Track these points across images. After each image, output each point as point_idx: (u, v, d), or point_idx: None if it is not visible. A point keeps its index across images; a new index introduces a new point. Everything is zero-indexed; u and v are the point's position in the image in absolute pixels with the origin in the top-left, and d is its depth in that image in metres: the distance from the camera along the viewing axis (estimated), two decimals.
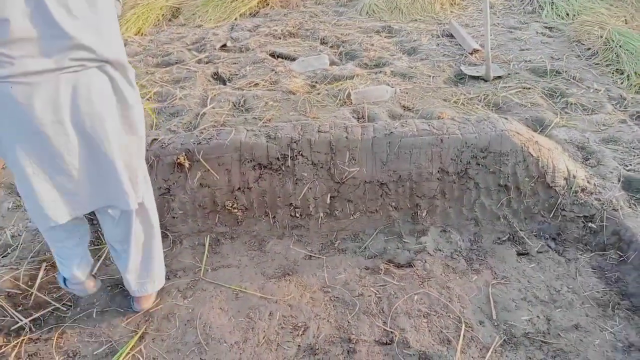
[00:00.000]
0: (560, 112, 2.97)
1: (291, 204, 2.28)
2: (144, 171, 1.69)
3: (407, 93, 3.32)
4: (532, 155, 2.22)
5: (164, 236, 2.21)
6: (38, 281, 1.91)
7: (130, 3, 4.95)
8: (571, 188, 2.22)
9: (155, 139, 2.38)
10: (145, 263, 1.77)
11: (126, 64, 1.51)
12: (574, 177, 2.23)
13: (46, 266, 1.99)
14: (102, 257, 2.11)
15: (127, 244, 1.70)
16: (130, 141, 1.56)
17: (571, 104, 3.04)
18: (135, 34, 4.72)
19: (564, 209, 2.19)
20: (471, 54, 3.84)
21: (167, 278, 1.97)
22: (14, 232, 2.17)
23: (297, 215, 2.27)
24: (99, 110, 1.42)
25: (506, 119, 2.40)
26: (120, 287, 1.94)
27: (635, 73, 3.27)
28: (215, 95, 3.39)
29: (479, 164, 2.23)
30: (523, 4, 4.93)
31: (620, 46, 3.52)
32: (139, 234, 1.70)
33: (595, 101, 3.06)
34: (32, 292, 1.87)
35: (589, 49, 3.72)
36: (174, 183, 2.28)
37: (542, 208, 2.22)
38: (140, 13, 4.83)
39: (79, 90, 1.37)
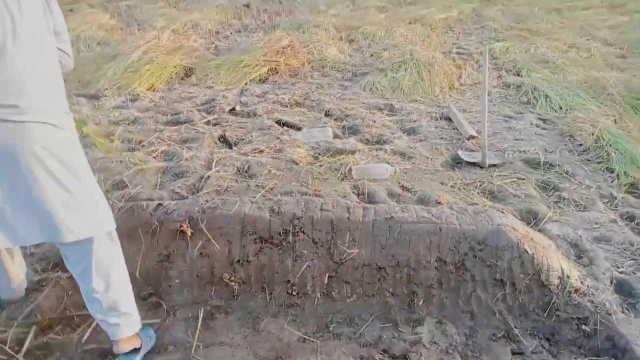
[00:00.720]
0: (553, 206, 3.06)
1: (289, 280, 2.29)
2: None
3: (406, 173, 3.42)
4: (527, 252, 2.27)
5: (158, 305, 2.19)
6: (25, 346, 1.86)
7: (145, 59, 5.14)
8: (565, 288, 2.26)
9: (160, 204, 2.41)
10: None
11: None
12: (568, 276, 2.28)
13: (36, 329, 1.94)
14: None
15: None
16: None
17: (564, 198, 3.15)
18: (148, 89, 4.88)
19: (557, 309, 2.22)
20: (468, 139, 4.00)
21: (157, 352, 1.94)
22: None
23: (294, 293, 2.27)
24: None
25: (502, 212, 2.48)
26: (108, 359, 1.90)
27: (625, 173, 3.42)
28: (220, 158, 3.47)
29: (475, 257, 2.28)
30: (519, 94, 5.19)
31: (610, 145, 3.69)
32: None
33: (587, 198, 3.17)
34: (18, 359, 1.82)
35: (580, 144, 3.90)
36: (174, 251, 2.28)
37: (536, 306, 2.24)
38: (154, 70, 5.01)
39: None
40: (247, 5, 9.83)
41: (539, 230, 2.69)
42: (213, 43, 6.87)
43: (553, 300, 2.22)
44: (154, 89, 4.92)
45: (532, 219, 2.90)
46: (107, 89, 4.88)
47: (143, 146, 3.66)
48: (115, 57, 5.20)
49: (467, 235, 2.30)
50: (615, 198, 3.17)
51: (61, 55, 1.73)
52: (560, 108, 4.73)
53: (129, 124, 4.08)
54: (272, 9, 9.78)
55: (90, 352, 1.90)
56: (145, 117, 4.19)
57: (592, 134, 3.89)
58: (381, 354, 2.00)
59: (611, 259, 2.56)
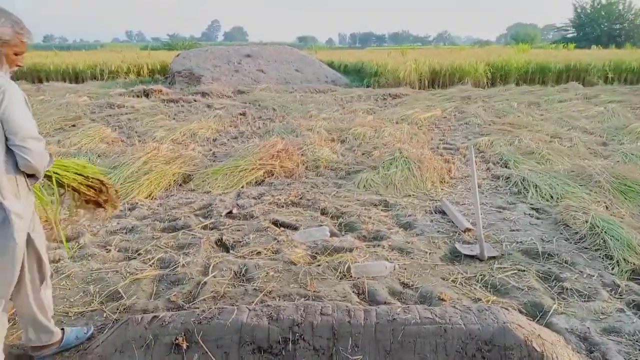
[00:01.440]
0: (557, 297, 3.00)
1: None
2: None
3: (405, 269, 3.40)
4: (536, 350, 2.19)
5: None
6: None
7: (144, 169, 5.32)
8: None
9: (155, 316, 2.35)
10: None
11: None
12: None
13: None
14: None
15: None
16: None
17: (567, 289, 3.10)
18: (147, 197, 4.98)
19: None
20: (464, 232, 4.03)
21: None
22: None
23: None
24: None
25: (507, 309, 2.43)
26: None
27: (625, 260, 3.40)
28: (217, 263, 3.44)
29: (484, 358, 2.18)
30: (509, 185, 5.34)
31: (605, 232, 3.72)
32: None
33: (590, 287, 3.12)
34: None
35: (576, 232, 3.93)
36: None
37: None
38: (153, 178, 5.16)
39: None
40: (243, 114, 10.42)
41: (546, 325, 2.61)
42: (211, 150, 7.16)
43: None
44: (153, 197, 5.02)
45: (537, 312, 2.83)
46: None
47: (140, 255, 3.65)
48: (116, 168, 5.38)
49: (473, 335, 2.22)
50: (619, 286, 3.13)
51: (16, 153, 2.02)
52: (552, 197, 4.84)
53: (126, 233, 4.10)
54: (266, 115, 10.35)
55: None
56: (143, 225, 4.22)
57: (586, 222, 3.94)
58: None
59: (624, 352, 2.45)
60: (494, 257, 3.56)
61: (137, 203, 4.82)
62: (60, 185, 2.69)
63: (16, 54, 2.07)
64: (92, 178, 2.80)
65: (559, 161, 6.07)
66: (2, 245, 2.05)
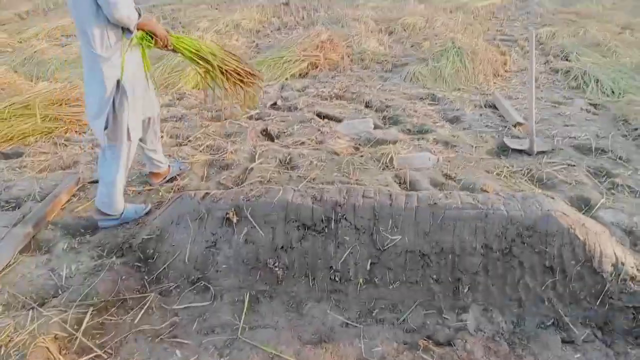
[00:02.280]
0: (606, 193, 2.93)
1: (331, 267, 2.31)
2: None
3: (449, 162, 3.37)
4: (578, 238, 2.19)
5: (206, 289, 2.27)
6: (83, 326, 1.98)
7: None
8: (619, 275, 2.16)
9: (207, 193, 2.50)
10: None
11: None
12: (623, 264, 2.18)
13: (92, 310, 2.06)
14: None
15: None
16: None
17: (617, 185, 3.00)
18: (193, 88, 5.04)
19: (611, 297, 2.13)
20: (515, 126, 3.88)
21: (205, 334, 2.01)
22: (67, 274, 2.28)
23: (337, 279, 2.29)
24: None
25: (552, 198, 2.40)
26: (160, 339, 1.99)
27: None
28: (263, 151, 3.54)
29: (524, 243, 2.21)
30: (567, 79, 4.98)
31: None
32: None
33: None
34: (77, 337, 1.93)
35: (636, 129, 3.70)
36: (220, 237, 2.36)
37: (588, 294, 2.16)
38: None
39: None
40: (287, 3, 9.93)
41: (591, 217, 2.58)
42: (254, 41, 7.00)
43: (607, 288, 2.13)
44: (199, 87, 5.07)
45: (583, 205, 2.79)
46: (155, 88, 5.06)
47: (190, 141, 3.79)
48: (162, 58, 5.40)
49: (515, 221, 2.23)
50: None
51: (102, 5, 2.20)
52: (613, 92, 4.50)
53: (176, 121, 4.23)
54: (310, 5, 9.83)
55: (142, 332, 2.00)
56: (191, 114, 4.33)
57: None
58: (425, 340, 1.98)
59: None
60: (543, 152, 3.45)
61: (184, 93, 4.90)
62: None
63: None
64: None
65: (627, 54, 5.53)
66: (94, 89, 2.38)
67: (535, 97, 4.22)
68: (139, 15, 2.37)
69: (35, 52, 6.20)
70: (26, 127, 3.79)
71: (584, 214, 2.66)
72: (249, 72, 2.91)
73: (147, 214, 2.78)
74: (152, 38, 2.51)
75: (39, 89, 4.21)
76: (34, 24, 8.21)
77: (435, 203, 2.31)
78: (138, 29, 2.41)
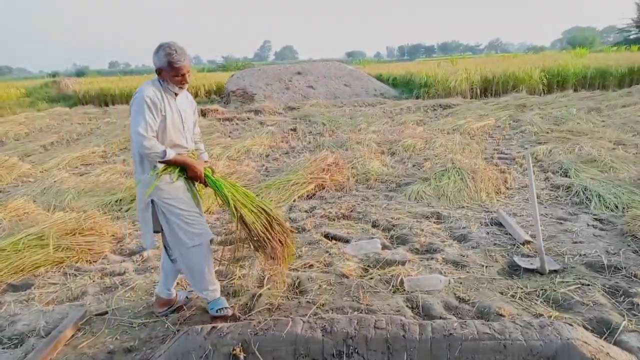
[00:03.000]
0: (627, 314, 2.82)
1: None
2: None
3: (461, 283, 3.31)
4: None
5: None
6: None
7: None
8: None
9: (214, 327, 2.44)
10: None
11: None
12: None
13: None
14: None
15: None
16: None
17: (638, 304, 2.90)
18: (204, 212, 5.17)
19: None
20: (523, 244, 3.88)
21: None
22: None
23: None
24: None
25: (571, 325, 2.31)
26: None
27: None
28: (271, 275, 3.52)
29: None
30: (569, 194, 5.09)
31: None
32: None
33: None
34: None
35: None
36: None
37: None
38: (211, 193, 5.35)
39: None
40: (294, 129, 10.62)
41: (614, 343, 2.46)
42: (264, 165, 7.35)
43: None
44: (210, 212, 5.22)
45: (604, 329, 2.67)
46: None
47: None
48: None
49: (535, 352, 2.13)
50: None
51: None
52: (617, 207, 4.57)
53: None
54: (316, 130, 10.50)
55: None
56: None
57: None
58: None
59: None
60: (555, 271, 3.40)
61: None
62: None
63: (175, 76, 2.71)
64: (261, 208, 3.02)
65: (624, 169, 5.72)
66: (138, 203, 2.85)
67: (540, 213, 4.28)
68: (164, 152, 2.70)
69: (54, 181, 6.52)
70: (38, 258, 3.84)
71: (605, 339, 2.54)
72: (282, 229, 3.04)
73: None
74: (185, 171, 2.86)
75: (54, 219, 4.35)
76: (56, 155, 8.75)
77: (451, 334, 2.23)
78: (169, 162, 2.77)
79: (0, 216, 4.76)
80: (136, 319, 3.04)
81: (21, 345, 2.79)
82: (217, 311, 3.00)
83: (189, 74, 2.78)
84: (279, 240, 2.97)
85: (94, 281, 3.63)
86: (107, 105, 19.85)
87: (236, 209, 2.88)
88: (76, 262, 3.96)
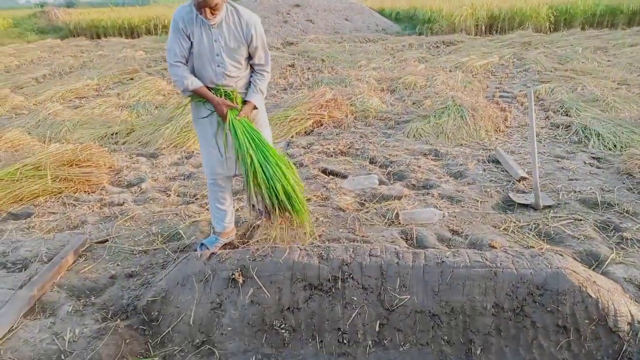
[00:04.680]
0: (616, 247, 2.89)
1: (339, 328, 2.26)
2: None
3: (455, 217, 3.37)
4: (590, 296, 2.14)
5: (211, 353, 2.21)
6: None
7: None
8: (637, 334, 2.09)
9: (213, 253, 2.49)
10: None
11: None
12: (639, 322, 2.12)
13: None
14: None
15: None
16: None
17: (627, 239, 2.97)
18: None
19: (630, 357, 2.05)
20: (519, 181, 3.91)
21: None
22: (71, 338, 2.24)
23: (345, 341, 2.24)
24: None
25: (561, 255, 2.37)
26: None
27: None
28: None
29: (535, 302, 2.17)
30: (568, 133, 5.06)
31: None
32: None
33: None
34: None
35: None
36: (226, 298, 2.33)
37: (605, 354, 2.08)
38: None
39: None
40: (292, 65, 10.34)
41: (602, 273, 2.54)
42: None
43: (624, 348, 2.06)
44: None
45: (593, 261, 2.75)
46: (164, 147, 5.21)
47: (197, 199, 3.83)
48: (172, 119, 5.57)
49: (525, 279, 2.20)
50: None
51: None
52: (615, 146, 4.56)
53: (184, 179, 4.29)
54: (315, 66, 10.23)
55: None
56: (199, 172, 4.40)
57: None
58: None
59: None
60: (549, 206, 3.45)
61: (192, 152, 5.01)
62: None
63: (196, 6, 2.40)
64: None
65: (626, 109, 5.65)
66: None
67: (538, 151, 4.28)
68: (184, 84, 2.54)
69: (49, 114, 6.43)
70: (36, 188, 3.86)
71: (594, 269, 2.62)
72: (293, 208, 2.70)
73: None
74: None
75: (50, 150, 4.32)
76: (49, 88, 8.55)
77: (443, 261, 2.29)
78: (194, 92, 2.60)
79: None
80: (136, 246, 3.10)
81: (25, 269, 2.86)
82: (200, 245, 2.94)
83: (214, 7, 2.39)
84: (283, 218, 2.72)
85: (93, 211, 3.67)
86: (99, 37, 19.18)
87: (251, 162, 2.57)
88: (74, 193, 3.99)
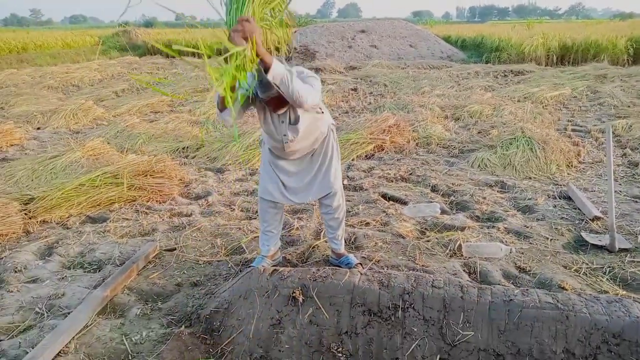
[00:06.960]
0: None
1: (397, 358, 2.21)
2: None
3: (522, 253, 3.23)
4: None
5: None
6: None
7: None
8: None
9: (276, 269, 2.54)
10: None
11: None
12: None
13: None
14: None
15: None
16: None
17: None
18: None
19: None
20: (592, 220, 3.69)
21: None
22: (138, 340, 2.35)
23: None
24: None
25: None
26: None
27: None
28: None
29: (610, 351, 2.02)
30: None
31: None
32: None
33: None
34: None
35: None
36: (285, 315, 2.36)
37: None
38: None
39: None
40: (355, 89, 10.47)
41: None
42: None
43: None
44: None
45: None
46: (230, 164, 5.42)
47: (259, 215, 3.93)
48: (239, 136, 5.80)
49: (600, 326, 2.06)
50: None
51: None
52: None
53: (247, 195, 4.43)
54: (377, 91, 10.29)
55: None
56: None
57: None
58: None
59: None
60: (626, 250, 3.22)
61: (257, 169, 5.17)
62: None
63: None
64: None
65: None
66: None
67: (614, 190, 4.03)
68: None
69: (126, 126, 6.89)
70: (113, 195, 4.13)
71: None
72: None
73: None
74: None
75: (128, 160, 4.62)
76: (127, 101, 9.19)
77: (511, 300, 2.20)
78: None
79: (79, 154, 5.12)
80: (202, 256, 3.23)
81: (99, 270, 3.06)
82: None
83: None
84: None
85: (163, 220, 3.87)
86: (173, 56, 20.41)
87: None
88: (147, 202, 4.23)
